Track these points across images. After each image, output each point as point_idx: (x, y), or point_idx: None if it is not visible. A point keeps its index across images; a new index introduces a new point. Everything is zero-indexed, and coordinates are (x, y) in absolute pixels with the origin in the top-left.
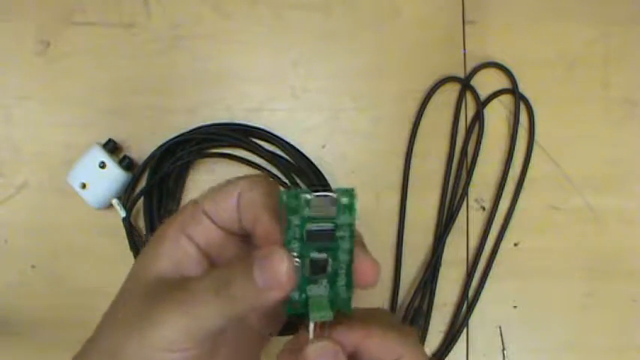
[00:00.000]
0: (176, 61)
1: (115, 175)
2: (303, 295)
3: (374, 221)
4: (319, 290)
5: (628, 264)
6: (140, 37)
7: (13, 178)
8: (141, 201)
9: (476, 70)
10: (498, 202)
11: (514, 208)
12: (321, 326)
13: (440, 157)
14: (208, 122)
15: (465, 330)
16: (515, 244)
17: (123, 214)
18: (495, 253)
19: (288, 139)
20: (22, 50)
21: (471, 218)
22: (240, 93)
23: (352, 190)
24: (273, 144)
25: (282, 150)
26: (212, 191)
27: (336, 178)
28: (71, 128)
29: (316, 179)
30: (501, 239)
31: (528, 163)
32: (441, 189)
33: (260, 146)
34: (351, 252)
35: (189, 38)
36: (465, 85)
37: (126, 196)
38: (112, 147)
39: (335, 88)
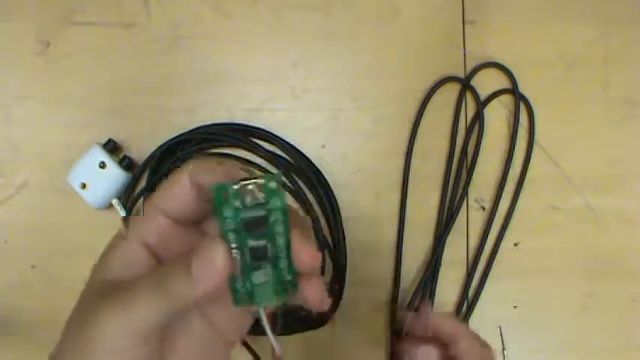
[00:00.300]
0: (176, 61)
1: (115, 175)
2: (248, 285)
3: (374, 221)
4: (263, 277)
5: (628, 264)
6: (140, 37)
7: (13, 178)
8: (141, 201)
9: (476, 70)
10: (498, 202)
11: (514, 208)
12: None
13: (440, 157)
14: (208, 122)
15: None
16: (515, 244)
17: (123, 214)
18: (495, 253)
19: (288, 139)
20: (22, 50)
21: (470, 218)
22: (240, 93)
23: (278, 174)
24: (273, 144)
25: (282, 150)
26: (162, 184)
27: (336, 178)
28: (71, 128)
29: (316, 179)
30: (501, 239)
31: (528, 163)
32: (441, 189)
33: (260, 146)
34: (287, 234)
35: (189, 38)
36: (465, 85)
37: (126, 196)
38: (112, 147)
39: (335, 88)
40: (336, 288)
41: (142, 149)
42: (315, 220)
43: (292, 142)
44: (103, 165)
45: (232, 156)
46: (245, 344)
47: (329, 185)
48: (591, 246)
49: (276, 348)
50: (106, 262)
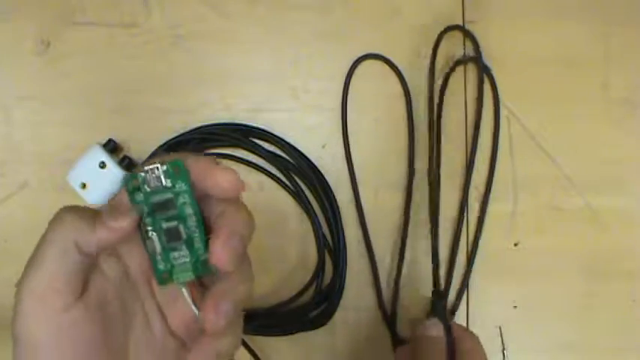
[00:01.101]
0: (176, 61)
1: (115, 175)
2: (169, 265)
3: (374, 221)
4: (182, 257)
5: (628, 264)
6: (140, 37)
7: (13, 178)
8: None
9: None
10: (498, 202)
11: (514, 209)
12: None
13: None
14: (208, 122)
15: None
16: (515, 244)
17: None
18: (495, 253)
19: (288, 139)
20: (22, 50)
21: (471, 218)
22: (240, 93)
23: (179, 160)
24: (273, 144)
25: (282, 150)
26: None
27: (336, 178)
28: (71, 128)
29: (316, 179)
30: (501, 239)
31: (495, 147)
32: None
33: (260, 146)
34: (197, 215)
35: (189, 38)
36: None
37: None
38: (112, 147)
39: (335, 88)
40: (337, 288)
41: (142, 149)
42: (315, 220)
43: (292, 142)
44: (103, 165)
45: (232, 156)
46: (244, 344)
47: (329, 185)
48: (591, 246)
49: (196, 313)
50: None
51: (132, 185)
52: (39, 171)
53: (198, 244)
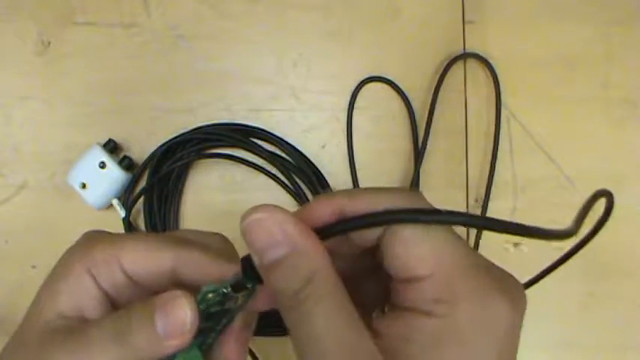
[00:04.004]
0: (176, 61)
1: (115, 175)
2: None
3: None
4: (192, 345)
5: (628, 264)
6: (140, 37)
7: (13, 178)
8: (141, 201)
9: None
10: (498, 202)
11: (514, 208)
12: None
13: (440, 157)
14: (208, 122)
15: None
16: (515, 244)
17: (123, 214)
18: (496, 253)
19: (288, 139)
20: (22, 50)
21: None
22: (240, 93)
23: (254, 287)
24: (273, 144)
25: (282, 150)
26: (137, 246)
27: (336, 178)
28: (71, 128)
29: (316, 179)
30: (501, 239)
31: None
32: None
33: (260, 146)
34: (232, 320)
35: (189, 38)
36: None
37: (126, 196)
38: (112, 147)
39: (335, 88)
40: None
41: (142, 149)
42: None
43: (292, 142)
44: (103, 165)
45: (232, 156)
46: None
47: (329, 185)
48: (591, 246)
49: None
50: (55, 294)
51: (204, 297)
52: (39, 171)
53: (215, 334)
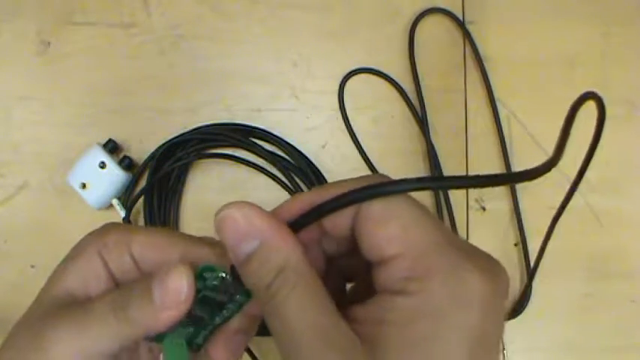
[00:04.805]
0: (176, 61)
1: (115, 175)
2: (167, 332)
3: None
4: (181, 334)
5: (628, 264)
6: (140, 37)
7: (13, 178)
8: (141, 201)
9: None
10: (498, 202)
11: (514, 208)
12: None
13: (441, 157)
14: (208, 122)
15: None
16: (515, 244)
17: (123, 214)
18: (495, 253)
19: (288, 139)
20: (22, 50)
21: (470, 218)
22: (240, 93)
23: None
24: (273, 144)
25: (282, 150)
26: (149, 236)
27: (336, 178)
28: (71, 128)
29: (316, 179)
30: (501, 239)
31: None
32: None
33: (260, 146)
34: (228, 319)
35: (189, 38)
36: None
37: (126, 196)
38: (112, 147)
39: (335, 88)
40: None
41: (142, 149)
42: None
43: (292, 142)
44: (103, 165)
45: (232, 156)
46: None
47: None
48: (591, 246)
49: None
50: (64, 272)
51: (205, 274)
52: (39, 171)
53: (203, 333)
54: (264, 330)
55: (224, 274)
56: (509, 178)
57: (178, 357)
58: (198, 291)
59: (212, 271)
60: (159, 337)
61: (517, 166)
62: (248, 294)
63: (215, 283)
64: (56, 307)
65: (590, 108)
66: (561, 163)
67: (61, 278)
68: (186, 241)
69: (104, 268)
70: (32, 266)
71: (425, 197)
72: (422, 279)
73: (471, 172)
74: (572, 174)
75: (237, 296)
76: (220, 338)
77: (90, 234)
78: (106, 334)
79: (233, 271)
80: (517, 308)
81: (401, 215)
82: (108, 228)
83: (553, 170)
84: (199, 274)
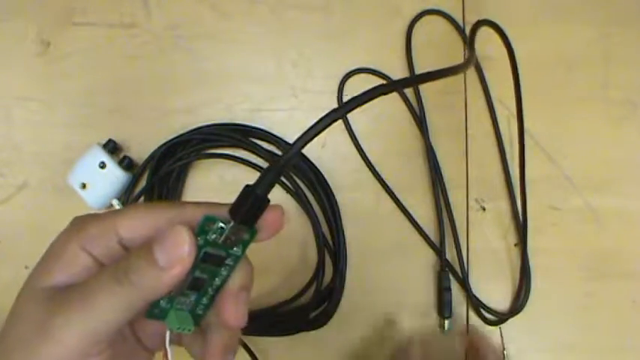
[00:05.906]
0: (176, 61)
1: (115, 175)
2: (169, 305)
3: (374, 222)
4: (184, 304)
5: (628, 264)
6: (140, 37)
7: (13, 178)
8: (141, 201)
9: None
10: (498, 202)
11: (514, 208)
12: None
13: (441, 157)
14: (208, 122)
15: (466, 330)
16: (516, 244)
17: None
18: (495, 253)
19: (288, 139)
20: (22, 50)
21: (471, 218)
22: (240, 93)
23: (255, 231)
24: (272, 144)
25: (282, 150)
26: (134, 218)
27: (336, 178)
28: (71, 128)
29: (316, 179)
30: (501, 239)
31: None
32: (442, 189)
33: (260, 146)
34: (226, 278)
35: (189, 38)
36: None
37: (126, 196)
38: (112, 147)
39: (335, 88)
40: (336, 288)
41: (142, 149)
42: (315, 220)
43: (292, 142)
44: (103, 165)
45: (232, 156)
46: (243, 345)
47: (329, 185)
48: (591, 246)
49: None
50: (50, 273)
51: (205, 227)
52: (39, 171)
53: (205, 300)
54: (264, 330)
55: (223, 224)
56: (441, 74)
57: (183, 326)
58: (199, 248)
59: (213, 221)
60: (162, 313)
61: (516, 167)
62: (253, 231)
63: (215, 235)
64: (55, 295)
65: (590, 109)
66: (561, 163)
67: (45, 277)
68: (171, 207)
69: (93, 261)
70: (26, 267)
71: (425, 197)
72: None
73: (471, 173)
74: (573, 174)
75: (234, 248)
76: (228, 299)
77: (64, 232)
78: (110, 305)
79: (233, 212)
80: (517, 308)
81: None
82: (84, 221)
83: (553, 170)
84: (200, 229)
